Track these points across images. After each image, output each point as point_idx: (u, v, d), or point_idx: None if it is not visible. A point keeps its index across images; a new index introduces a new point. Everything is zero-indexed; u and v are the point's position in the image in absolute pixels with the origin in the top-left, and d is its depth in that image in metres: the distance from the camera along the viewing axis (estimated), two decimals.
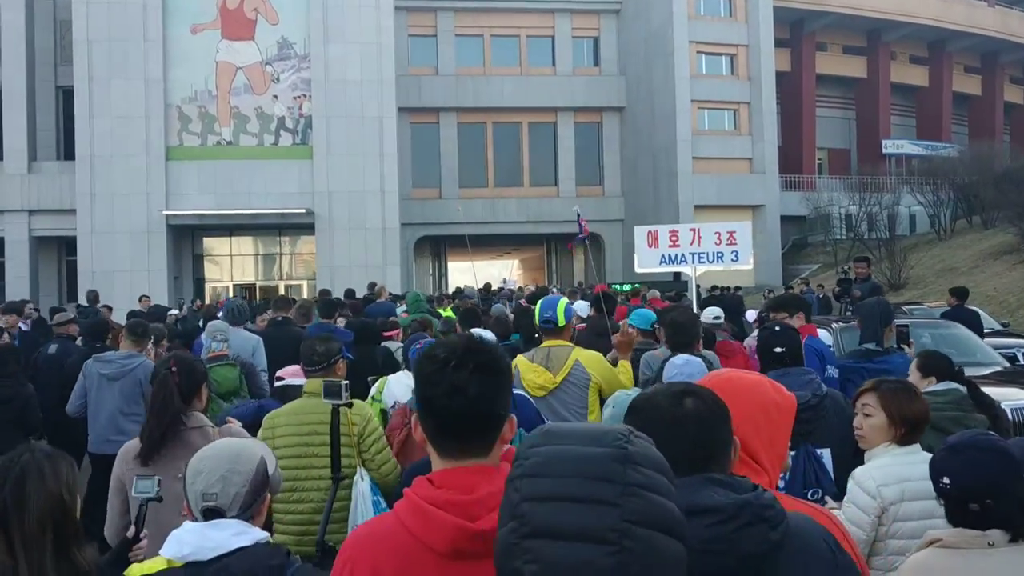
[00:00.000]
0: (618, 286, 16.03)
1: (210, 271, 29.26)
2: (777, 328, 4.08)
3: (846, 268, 8.32)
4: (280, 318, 8.43)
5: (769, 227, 32.49)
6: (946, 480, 2.34)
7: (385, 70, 25.75)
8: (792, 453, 3.24)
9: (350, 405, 3.63)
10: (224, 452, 2.16)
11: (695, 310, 8.17)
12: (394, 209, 25.94)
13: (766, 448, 1.86)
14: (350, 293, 15.16)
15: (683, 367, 3.95)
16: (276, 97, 25.60)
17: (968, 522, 2.30)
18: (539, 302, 5.05)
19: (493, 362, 1.66)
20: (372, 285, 16.54)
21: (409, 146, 33.00)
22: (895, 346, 5.20)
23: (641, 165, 33.75)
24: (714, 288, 19.13)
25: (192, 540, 2.00)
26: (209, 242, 28.96)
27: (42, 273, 27.32)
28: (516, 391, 3.81)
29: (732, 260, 8.24)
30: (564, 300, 4.97)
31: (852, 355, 5.17)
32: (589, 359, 4.72)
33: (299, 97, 25.64)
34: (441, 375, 1.62)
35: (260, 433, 3.86)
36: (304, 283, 28.48)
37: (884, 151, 39.56)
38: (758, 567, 1.49)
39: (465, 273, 40.57)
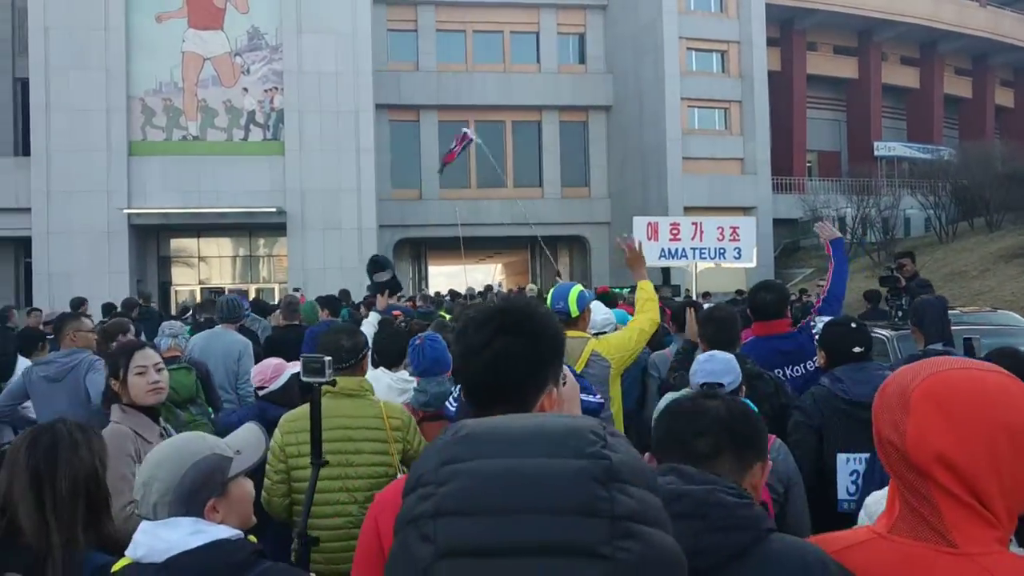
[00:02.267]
0: (617, 289, 15.14)
1: (176, 274, 27.76)
2: (854, 324, 3.71)
3: (891, 267, 7.20)
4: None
5: (761, 230, 31.09)
6: None
7: (361, 62, 24.43)
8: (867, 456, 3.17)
9: (333, 383, 3.14)
10: (154, 455, 2.00)
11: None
12: (371, 209, 24.58)
13: (1005, 491, 1.21)
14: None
15: (705, 363, 3.51)
16: (246, 90, 24.22)
17: None
18: (551, 291, 4.50)
19: (523, 323, 1.45)
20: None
21: (388, 145, 31.70)
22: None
23: (629, 166, 32.62)
24: (739, 292, 18.16)
25: (144, 541, 1.88)
26: (176, 243, 27.48)
27: None
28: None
29: (735, 257, 7.74)
30: (577, 287, 4.38)
31: (911, 359, 4.09)
32: (606, 346, 4.24)
33: (270, 90, 24.27)
34: (463, 336, 1.49)
35: (279, 437, 3.48)
36: (276, 287, 27.07)
37: (876, 153, 38.69)
38: (721, 564, 1.26)
39: (452, 277, 39.40)
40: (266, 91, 24.27)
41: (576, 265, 35.95)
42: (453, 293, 20.05)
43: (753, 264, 8.19)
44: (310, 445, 3.10)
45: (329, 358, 3.03)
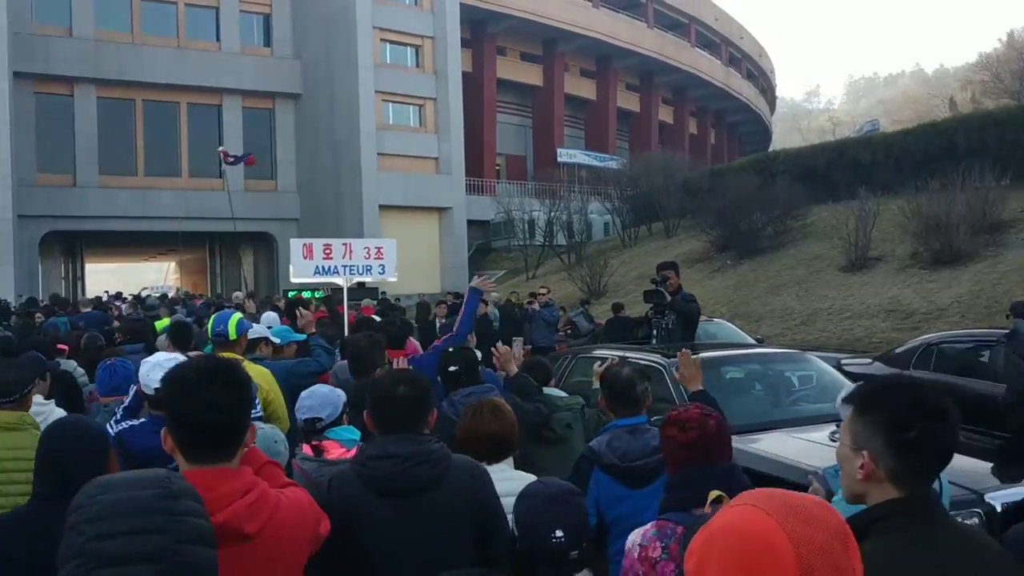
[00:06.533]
0: (308, 293, 13.89)
1: None
2: (451, 349, 4.28)
3: (655, 280, 6.39)
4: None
5: (456, 230, 31.17)
6: None
7: None
8: None
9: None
10: None
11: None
12: (7, 195, 20.31)
13: None
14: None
15: (305, 400, 3.40)
16: None
17: None
18: (212, 317, 4.99)
19: (238, 380, 1.87)
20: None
21: (33, 121, 26.92)
22: None
23: (320, 159, 30.68)
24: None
25: None
26: None
27: None
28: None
29: (380, 273, 9.07)
30: (237, 315, 4.90)
31: None
32: (258, 374, 4.43)
33: None
34: (197, 392, 1.80)
35: None
36: None
37: (559, 159, 40.20)
38: (428, 486, 2.38)
39: (117, 275, 34.51)
40: None
41: (261, 265, 33.29)
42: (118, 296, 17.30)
43: (395, 279, 9.47)
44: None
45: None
